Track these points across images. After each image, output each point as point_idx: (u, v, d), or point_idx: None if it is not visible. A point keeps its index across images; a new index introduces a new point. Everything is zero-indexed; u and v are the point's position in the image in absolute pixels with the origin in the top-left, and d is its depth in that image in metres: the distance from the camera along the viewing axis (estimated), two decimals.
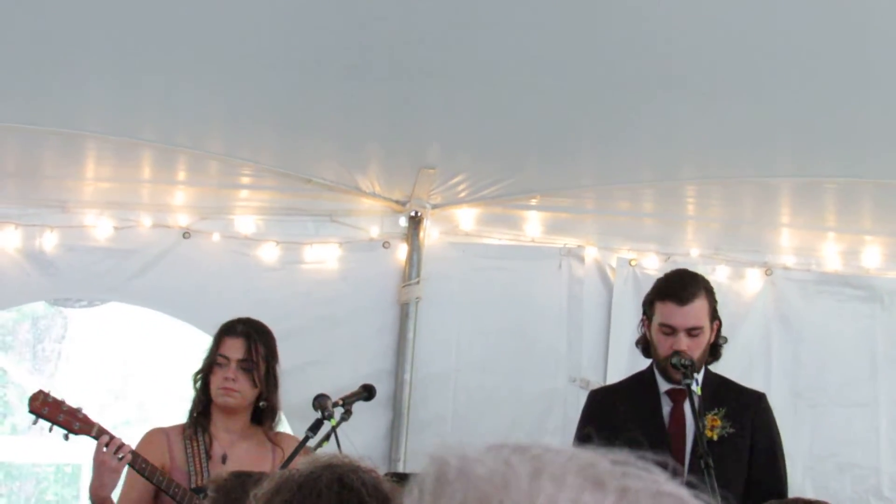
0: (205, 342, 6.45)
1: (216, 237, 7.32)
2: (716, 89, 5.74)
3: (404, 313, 7.41)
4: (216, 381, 6.08)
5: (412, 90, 5.93)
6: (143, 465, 5.83)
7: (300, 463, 2.95)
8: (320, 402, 5.90)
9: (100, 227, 7.21)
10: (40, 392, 5.93)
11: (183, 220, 7.29)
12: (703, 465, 5.53)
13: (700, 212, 7.52)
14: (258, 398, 6.13)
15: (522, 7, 5.03)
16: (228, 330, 6.16)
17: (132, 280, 7.26)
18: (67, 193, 7.18)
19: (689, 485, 1.25)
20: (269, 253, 7.35)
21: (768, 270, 7.73)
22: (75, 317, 13.49)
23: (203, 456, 6.03)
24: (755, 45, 5.26)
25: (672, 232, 7.68)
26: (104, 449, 5.79)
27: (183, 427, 6.17)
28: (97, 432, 5.85)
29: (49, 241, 7.14)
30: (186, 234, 7.28)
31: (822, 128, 6.12)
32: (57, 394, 5.95)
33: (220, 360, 6.09)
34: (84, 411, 5.92)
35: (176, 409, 14.40)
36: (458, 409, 7.41)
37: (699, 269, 6.72)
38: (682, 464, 5.92)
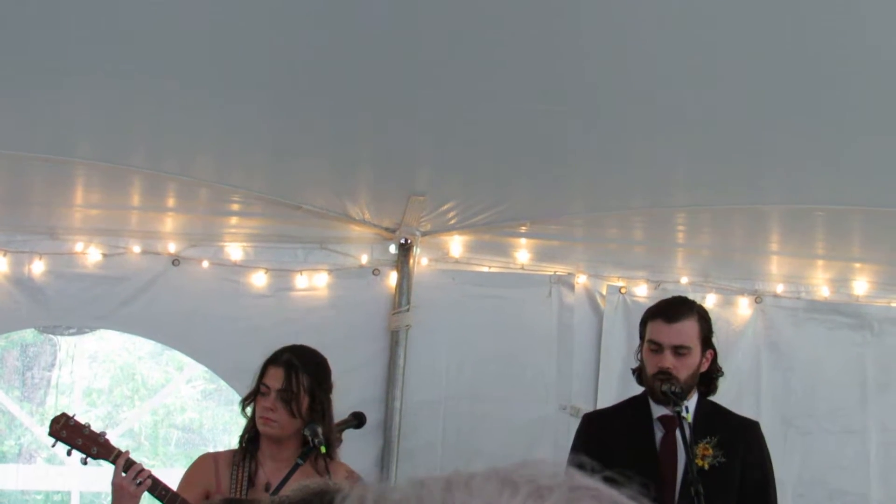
0: (194, 369, 6.44)
1: (205, 264, 7.31)
2: (705, 117, 5.74)
3: (394, 340, 7.41)
4: (258, 410, 6.06)
5: (401, 117, 5.93)
6: (164, 492, 5.82)
7: (291, 490, 2.93)
8: (311, 429, 5.88)
9: (89, 253, 7.21)
10: (62, 415, 5.98)
11: (172, 246, 7.29)
12: (693, 493, 5.52)
13: (690, 239, 7.53)
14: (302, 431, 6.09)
15: (513, 36, 5.04)
16: (273, 359, 6.12)
17: (121, 307, 7.25)
18: (56, 220, 7.17)
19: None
20: (258, 280, 7.35)
21: (758, 298, 7.74)
22: (65, 344, 13.45)
23: (245, 483, 6.01)
24: (744, 74, 5.27)
25: (662, 259, 7.69)
26: (123, 473, 5.81)
27: (234, 453, 6.15)
28: (115, 457, 5.87)
29: (38, 268, 7.13)
30: (176, 261, 7.27)
31: (812, 155, 6.12)
32: (81, 418, 5.97)
33: (262, 388, 6.06)
34: (107, 436, 5.94)
35: (166, 437, 14.37)
36: (448, 437, 7.40)
37: (689, 297, 6.73)
38: (673, 491, 5.91)
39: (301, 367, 6.06)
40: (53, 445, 6.02)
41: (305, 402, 6.02)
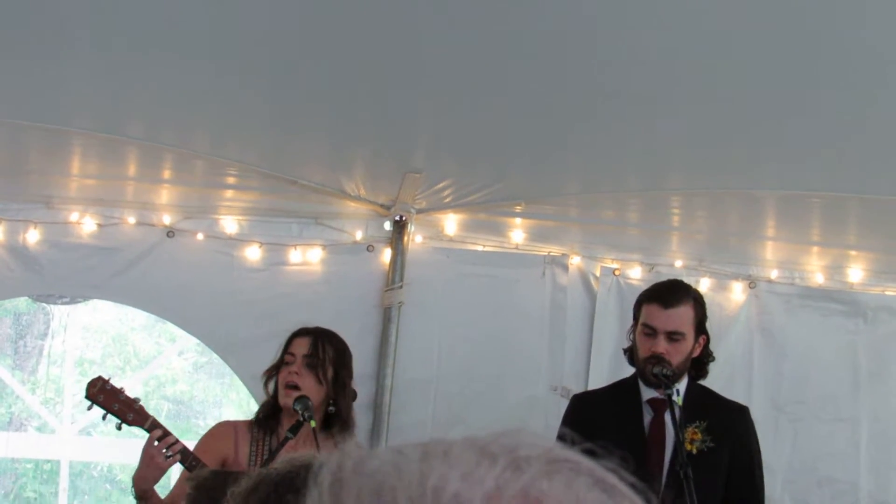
0: (187, 342, 6.43)
1: (200, 237, 7.31)
2: (702, 100, 5.74)
3: (387, 317, 7.40)
4: (281, 379, 6.05)
5: (399, 94, 5.91)
6: (194, 464, 5.77)
7: (279, 462, 2.93)
8: (302, 403, 5.88)
9: (84, 223, 7.20)
10: (99, 378, 5.91)
11: (167, 218, 7.28)
12: (683, 476, 5.52)
13: (685, 223, 7.52)
14: (326, 403, 6.10)
15: (509, 16, 5.03)
16: (299, 331, 6.18)
17: (115, 277, 7.25)
18: (52, 189, 7.16)
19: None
20: (252, 254, 7.35)
21: (752, 283, 7.74)
22: (58, 313, 13.46)
23: (266, 460, 5.98)
24: (742, 58, 5.26)
25: (657, 242, 7.68)
26: (155, 443, 5.77)
27: (250, 423, 6.15)
28: (150, 425, 5.82)
29: (33, 237, 7.13)
30: (170, 233, 7.27)
31: (809, 141, 6.11)
32: (116, 382, 5.93)
33: (287, 357, 6.08)
34: (140, 403, 5.90)
35: (157, 408, 14.39)
36: (438, 415, 7.39)
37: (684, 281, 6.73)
38: (660, 473, 5.91)
39: (326, 339, 6.09)
40: (90, 408, 5.95)
41: (330, 372, 6.03)
